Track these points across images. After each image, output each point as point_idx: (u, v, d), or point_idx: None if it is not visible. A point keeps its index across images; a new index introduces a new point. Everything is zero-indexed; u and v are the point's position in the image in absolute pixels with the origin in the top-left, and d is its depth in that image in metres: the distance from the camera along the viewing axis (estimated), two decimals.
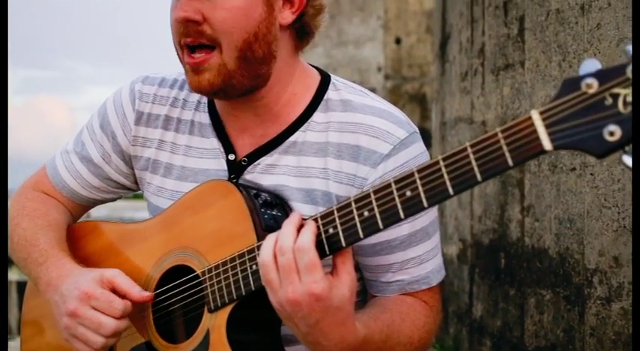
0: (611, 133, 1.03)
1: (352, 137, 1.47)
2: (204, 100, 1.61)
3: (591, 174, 2.20)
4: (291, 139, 1.50)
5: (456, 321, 3.24)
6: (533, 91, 2.53)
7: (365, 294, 1.57)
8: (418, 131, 1.52)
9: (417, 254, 1.49)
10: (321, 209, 1.43)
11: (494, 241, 2.78)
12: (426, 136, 6.46)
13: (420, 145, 1.51)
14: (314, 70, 1.59)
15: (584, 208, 2.22)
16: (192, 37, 1.40)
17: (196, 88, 1.45)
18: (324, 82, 1.56)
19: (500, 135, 1.11)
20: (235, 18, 1.39)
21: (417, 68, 6.44)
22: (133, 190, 1.75)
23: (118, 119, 1.65)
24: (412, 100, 6.44)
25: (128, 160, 1.67)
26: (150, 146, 1.63)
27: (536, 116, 1.09)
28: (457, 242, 3.24)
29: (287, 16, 1.45)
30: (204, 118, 1.59)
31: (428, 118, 6.36)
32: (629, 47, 1.07)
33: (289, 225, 1.25)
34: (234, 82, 1.42)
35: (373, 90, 7.11)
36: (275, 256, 1.24)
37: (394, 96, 6.37)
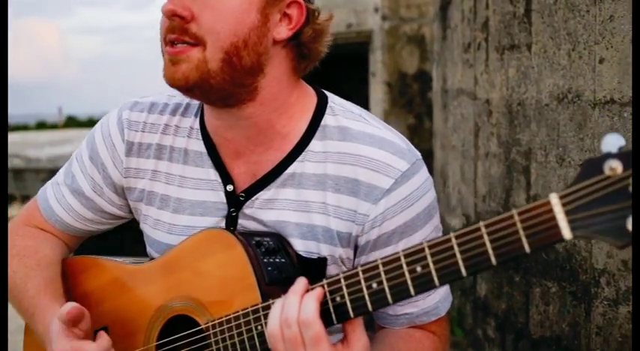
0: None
1: (351, 170, 1.42)
2: (197, 126, 1.55)
3: None
4: (289, 171, 1.45)
5: (460, 294, 3.26)
6: (540, 77, 2.44)
7: (372, 324, 1.55)
8: (420, 157, 1.46)
9: None
10: (322, 246, 1.40)
11: None
12: (427, 80, 6.35)
13: (422, 174, 1.45)
14: (311, 91, 1.51)
15: None
16: (177, 34, 1.34)
17: (170, 80, 1.38)
18: (321, 104, 1.48)
19: (516, 217, 1.05)
20: (226, 19, 1.31)
21: (416, 9, 6.23)
22: (127, 219, 1.71)
23: (108, 151, 1.59)
24: (411, 41, 6.27)
25: (121, 192, 1.62)
26: (143, 177, 1.57)
27: (555, 201, 1.03)
28: (460, 216, 3.22)
29: (282, 31, 1.38)
30: (198, 145, 1.53)
31: (427, 60, 6.22)
32: None
33: (294, 295, 1.22)
34: (213, 82, 1.35)
35: (370, 32, 6.92)
36: (282, 327, 1.22)
37: (392, 38, 6.20)
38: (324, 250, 1.40)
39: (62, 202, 1.64)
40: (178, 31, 1.32)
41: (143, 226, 1.63)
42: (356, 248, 1.42)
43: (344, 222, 1.42)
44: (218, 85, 1.35)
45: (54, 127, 38.01)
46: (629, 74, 2.04)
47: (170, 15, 1.32)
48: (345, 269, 1.42)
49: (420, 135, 6.19)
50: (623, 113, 2.07)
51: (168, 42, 1.35)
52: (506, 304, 2.71)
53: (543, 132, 2.41)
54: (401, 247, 1.37)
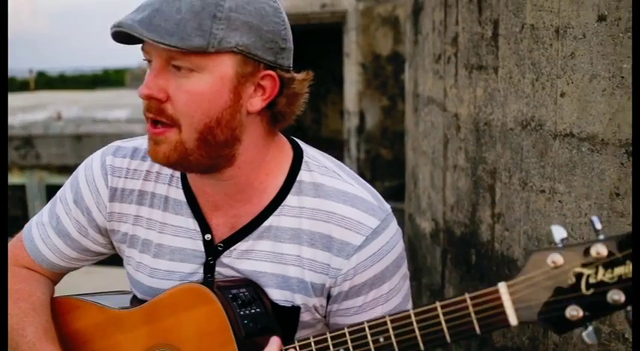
0: (572, 315, 1.11)
1: (325, 227, 1.51)
2: (178, 174, 1.62)
3: (559, 201, 2.26)
4: (265, 224, 1.54)
5: (429, 295, 3.40)
6: (505, 102, 2.53)
7: None
8: (390, 211, 1.56)
9: None
10: (297, 296, 1.50)
11: (466, 235, 2.88)
12: (400, 62, 6.36)
13: (392, 228, 1.55)
14: (287, 144, 1.59)
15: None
16: (154, 114, 1.43)
17: (153, 159, 1.48)
18: (297, 159, 1.57)
19: (469, 302, 1.18)
20: (198, 102, 1.39)
21: None
22: (109, 255, 1.80)
23: (92, 196, 1.66)
24: (385, 22, 6.28)
25: (105, 233, 1.70)
26: (126, 221, 1.65)
27: (503, 290, 1.16)
28: (430, 221, 3.33)
29: (256, 103, 1.44)
30: (178, 194, 1.61)
31: (401, 42, 6.25)
32: (595, 218, 1.12)
33: None
34: (192, 159, 1.44)
35: (345, 12, 6.90)
36: None
37: (366, 19, 6.21)
38: (298, 299, 1.51)
39: (48, 243, 1.72)
40: (155, 111, 1.40)
41: (127, 267, 1.71)
42: (329, 297, 1.53)
43: (318, 275, 1.52)
44: (197, 161, 1.44)
45: (24, 85, 37.26)
46: (587, 111, 2.14)
47: (146, 99, 1.40)
48: (317, 316, 1.54)
49: (394, 117, 6.27)
50: (581, 147, 2.17)
51: (148, 118, 1.44)
52: None
53: (507, 154, 2.52)
54: (371, 296, 1.49)
